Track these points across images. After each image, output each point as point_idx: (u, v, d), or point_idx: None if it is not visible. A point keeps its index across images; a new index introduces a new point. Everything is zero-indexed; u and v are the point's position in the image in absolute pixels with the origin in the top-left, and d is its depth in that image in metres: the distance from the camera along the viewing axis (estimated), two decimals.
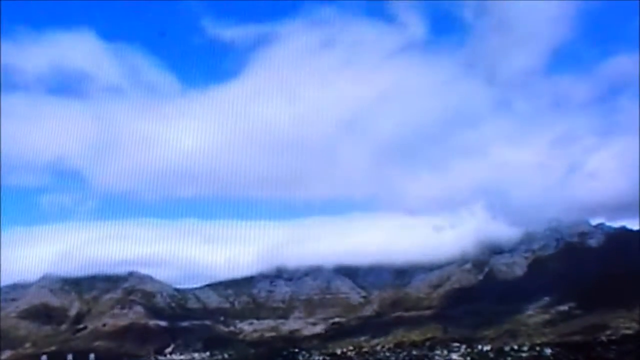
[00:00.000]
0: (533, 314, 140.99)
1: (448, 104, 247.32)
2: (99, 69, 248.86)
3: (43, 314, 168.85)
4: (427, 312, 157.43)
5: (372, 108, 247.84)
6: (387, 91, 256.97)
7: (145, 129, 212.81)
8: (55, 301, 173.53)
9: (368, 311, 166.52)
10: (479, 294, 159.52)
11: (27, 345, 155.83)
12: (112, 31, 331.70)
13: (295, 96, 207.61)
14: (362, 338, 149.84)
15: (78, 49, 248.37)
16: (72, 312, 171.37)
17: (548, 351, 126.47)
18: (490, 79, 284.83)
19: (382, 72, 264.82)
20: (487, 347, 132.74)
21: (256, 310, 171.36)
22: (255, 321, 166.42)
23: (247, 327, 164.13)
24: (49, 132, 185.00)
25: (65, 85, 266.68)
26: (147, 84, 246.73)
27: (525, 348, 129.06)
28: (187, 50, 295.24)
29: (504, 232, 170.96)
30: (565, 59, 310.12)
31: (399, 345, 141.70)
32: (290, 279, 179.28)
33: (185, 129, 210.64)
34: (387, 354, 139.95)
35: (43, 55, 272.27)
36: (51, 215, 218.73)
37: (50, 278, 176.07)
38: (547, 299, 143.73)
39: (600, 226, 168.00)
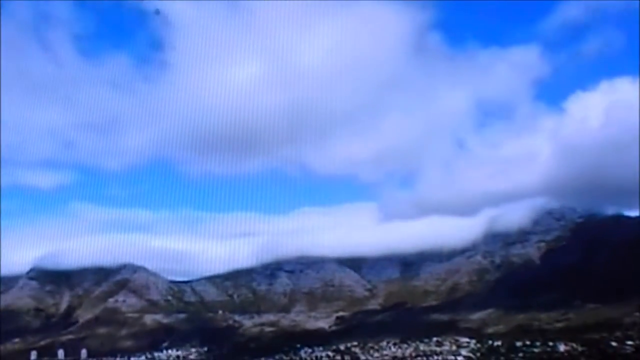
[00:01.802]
0: (546, 308, 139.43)
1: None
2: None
3: (32, 308, 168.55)
4: (435, 306, 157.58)
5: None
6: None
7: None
8: (44, 294, 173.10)
9: (373, 305, 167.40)
10: (489, 287, 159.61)
11: (16, 340, 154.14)
12: None
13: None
14: (367, 333, 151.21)
15: None
16: (63, 305, 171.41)
17: (561, 347, 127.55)
18: None
19: None
20: (498, 343, 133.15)
21: (256, 303, 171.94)
22: (255, 315, 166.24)
23: (247, 322, 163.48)
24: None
25: None
26: None
27: (537, 344, 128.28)
28: None
29: (516, 222, 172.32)
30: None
31: (405, 340, 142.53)
32: (291, 271, 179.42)
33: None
34: (393, 349, 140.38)
35: None
36: (39, 204, 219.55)
37: (39, 270, 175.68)
38: (560, 292, 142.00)
39: (617, 216, 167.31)
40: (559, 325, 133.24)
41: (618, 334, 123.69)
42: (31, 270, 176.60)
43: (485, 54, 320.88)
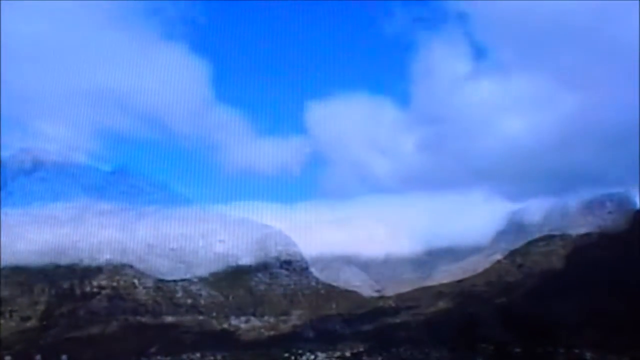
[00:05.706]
0: (571, 311, 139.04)
1: None
2: None
3: (7, 309, 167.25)
4: (450, 309, 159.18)
5: None
6: None
7: None
8: (20, 295, 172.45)
9: (382, 307, 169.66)
10: (509, 288, 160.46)
11: None
12: None
13: None
14: (376, 338, 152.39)
15: None
16: (40, 307, 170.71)
17: (588, 355, 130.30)
18: None
19: None
20: (518, 349, 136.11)
21: (254, 305, 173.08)
22: (252, 318, 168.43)
23: (244, 325, 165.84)
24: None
25: None
26: None
27: (561, 350, 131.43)
28: None
29: (539, 217, 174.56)
30: None
31: (417, 345, 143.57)
32: (293, 270, 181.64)
33: None
34: (404, 355, 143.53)
35: None
36: (13, 195, 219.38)
37: (12, 268, 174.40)
38: (587, 293, 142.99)
39: None
40: (586, 330, 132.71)
41: None
42: (4, 268, 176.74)
43: None
